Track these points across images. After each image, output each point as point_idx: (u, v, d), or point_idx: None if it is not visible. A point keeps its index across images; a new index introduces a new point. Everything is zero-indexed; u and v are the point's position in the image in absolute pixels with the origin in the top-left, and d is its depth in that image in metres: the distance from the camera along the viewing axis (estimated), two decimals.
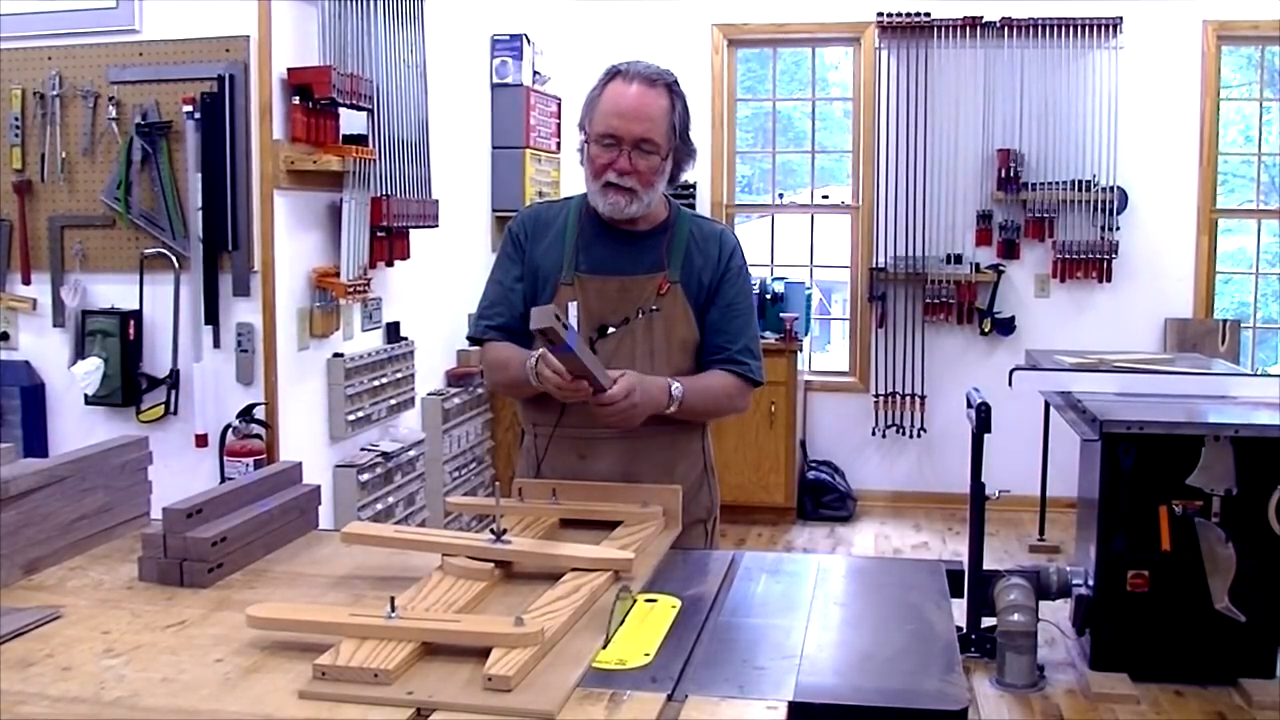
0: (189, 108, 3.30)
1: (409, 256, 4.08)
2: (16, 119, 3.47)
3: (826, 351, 7.28)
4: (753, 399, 2.33)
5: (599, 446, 2.18)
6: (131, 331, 3.43)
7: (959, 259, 6.15)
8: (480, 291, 2.33)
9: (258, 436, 3.37)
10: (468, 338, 2.36)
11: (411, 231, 4.07)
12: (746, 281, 2.30)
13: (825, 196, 6.62)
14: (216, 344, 3.41)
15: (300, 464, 2.23)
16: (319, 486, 2.17)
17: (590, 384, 1.94)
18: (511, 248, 2.28)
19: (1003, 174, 6.03)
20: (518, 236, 2.28)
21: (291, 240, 3.53)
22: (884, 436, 6.37)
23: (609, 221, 2.22)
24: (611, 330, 2.18)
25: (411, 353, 4.29)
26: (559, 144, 5.66)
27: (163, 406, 3.43)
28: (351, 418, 3.81)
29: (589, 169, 2.17)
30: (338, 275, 3.69)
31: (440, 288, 4.65)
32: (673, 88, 2.17)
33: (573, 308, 2.18)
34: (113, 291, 3.48)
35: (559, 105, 5.66)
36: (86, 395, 3.43)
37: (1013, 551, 5.45)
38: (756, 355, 2.26)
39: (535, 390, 2.08)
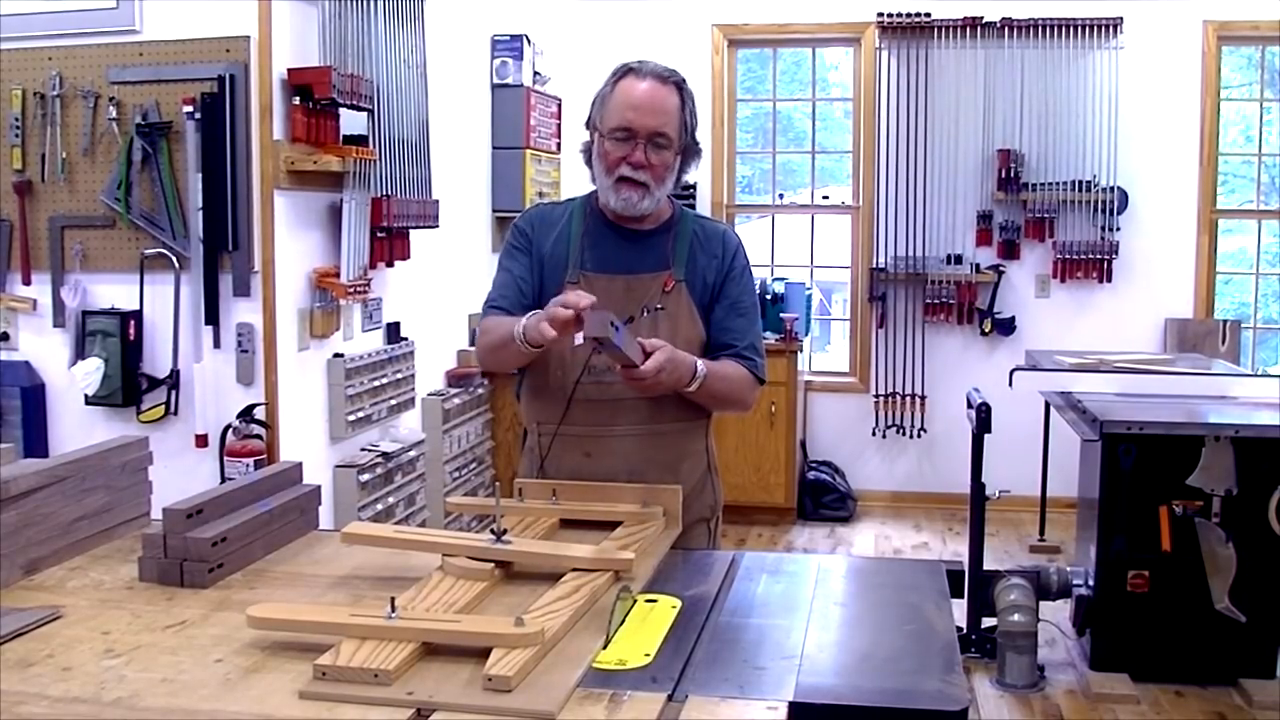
0: (189, 108, 3.30)
1: (409, 257, 4.08)
2: (17, 119, 3.47)
3: (827, 352, 7.28)
4: (756, 398, 2.33)
5: (603, 445, 2.18)
6: (132, 332, 3.43)
7: (959, 259, 6.15)
8: (481, 291, 2.33)
9: (258, 437, 3.37)
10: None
11: (412, 232, 4.07)
12: (750, 280, 2.31)
13: (825, 197, 6.62)
14: (217, 344, 3.41)
15: (300, 464, 2.23)
16: (319, 487, 2.17)
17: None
18: (520, 240, 2.28)
19: (1003, 174, 6.03)
20: (525, 230, 2.29)
21: (292, 240, 3.53)
22: (884, 437, 6.37)
23: (614, 220, 2.23)
24: None
25: (412, 353, 4.29)
26: (559, 144, 5.66)
27: (163, 407, 3.43)
28: (352, 418, 3.81)
29: (601, 165, 2.18)
30: (338, 275, 3.69)
31: (440, 288, 4.65)
32: (682, 86, 2.19)
33: None
34: (113, 291, 3.48)
35: (559, 106, 5.66)
36: (87, 395, 3.43)
37: (1013, 551, 5.45)
38: (761, 354, 2.28)
39: (519, 355, 2.06)
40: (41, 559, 1.87)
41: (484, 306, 2.29)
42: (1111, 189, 5.99)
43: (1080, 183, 6.00)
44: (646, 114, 2.12)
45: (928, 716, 1.38)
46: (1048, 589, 3.90)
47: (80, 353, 3.45)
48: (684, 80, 2.20)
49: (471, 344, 4.55)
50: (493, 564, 1.75)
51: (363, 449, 3.91)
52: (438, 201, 4.21)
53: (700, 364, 2.12)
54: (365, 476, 3.79)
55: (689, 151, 2.22)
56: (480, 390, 4.85)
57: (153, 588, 1.78)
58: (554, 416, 2.20)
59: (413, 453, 4.16)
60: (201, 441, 3.39)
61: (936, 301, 6.17)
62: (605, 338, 1.82)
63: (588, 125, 2.24)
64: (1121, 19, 5.93)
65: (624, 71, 2.17)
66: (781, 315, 5.93)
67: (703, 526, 2.33)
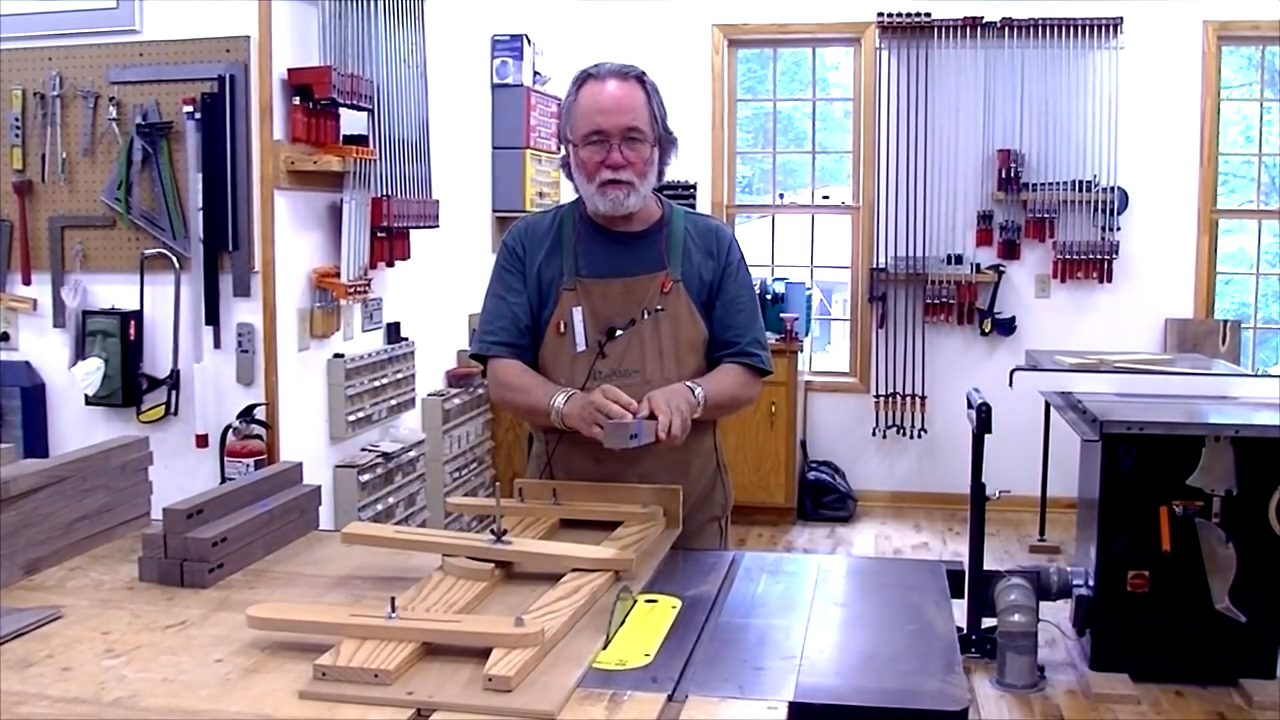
0: (189, 108, 3.30)
1: (409, 257, 4.08)
2: (17, 119, 3.46)
3: (827, 352, 7.28)
4: (760, 391, 2.34)
5: (611, 450, 2.18)
6: (132, 332, 3.42)
7: (959, 259, 6.15)
8: (481, 291, 2.32)
9: (258, 437, 3.37)
10: (471, 355, 2.36)
11: (412, 232, 4.06)
12: (746, 274, 2.31)
13: (825, 197, 6.62)
14: (217, 344, 3.41)
15: (300, 464, 2.23)
16: (319, 487, 2.17)
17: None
18: (511, 260, 2.27)
19: (1003, 174, 6.03)
20: (514, 249, 2.28)
21: (292, 240, 3.53)
22: (884, 437, 6.37)
23: (604, 225, 2.23)
24: (619, 333, 2.18)
25: (412, 353, 4.29)
26: (559, 144, 5.65)
27: (163, 407, 3.43)
28: (352, 418, 3.81)
29: (581, 173, 2.17)
30: (338, 275, 3.69)
31: (441, 288, 4.65)
32: (644, 79, 2.19)
33: (577, 313, 2.18)
34: (113, 292, 3.48)
35: (559, 106, 5.65)
36: (87, 395, 3.43)
37: (1013, 551, 5.46)
38: (764, 346, 2.28)
39: (551, 425, 2.11)
40: (41, 559, 1.87)
41: (482, 340, 2.26)
42: (1111, 189, 5.99)
43: (1080, 183, 6.01)
44: (615, 114, 2.12)
45: (928, 716, 1.38)
46: (1048, 589, 3.90)
47: (80, 353, 3.45)
48: (644, 73, 2.20)
49: (474, 359, 4.56)
50: (493, 564, 1.75)
51: (363, 449, 3.91)
52: (438, 201, 4.21)
53: (697, 389, 2.12)
54: (365, 476, 3.78)
55: (665, 143, 2.22)
56: (480, 390, 4.85)
57: (153, 588, 1.78)
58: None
59: (413, 453, 4.16)
60: (201, 441, 3.38)
61: (936, 301, 6.17)
62: (629, 446, 1.94)
63: (561, 139, 2.24)
64: (1121, 19, 5.93)
65: (583, 78, 2.18)
66: (781, 315, 5.94)
67: (714, 525, 2.35)
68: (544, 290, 2.23)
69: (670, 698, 1.38)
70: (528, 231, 2.29)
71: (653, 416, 1.99)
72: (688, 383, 2.13)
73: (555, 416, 2.09)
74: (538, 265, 2.24)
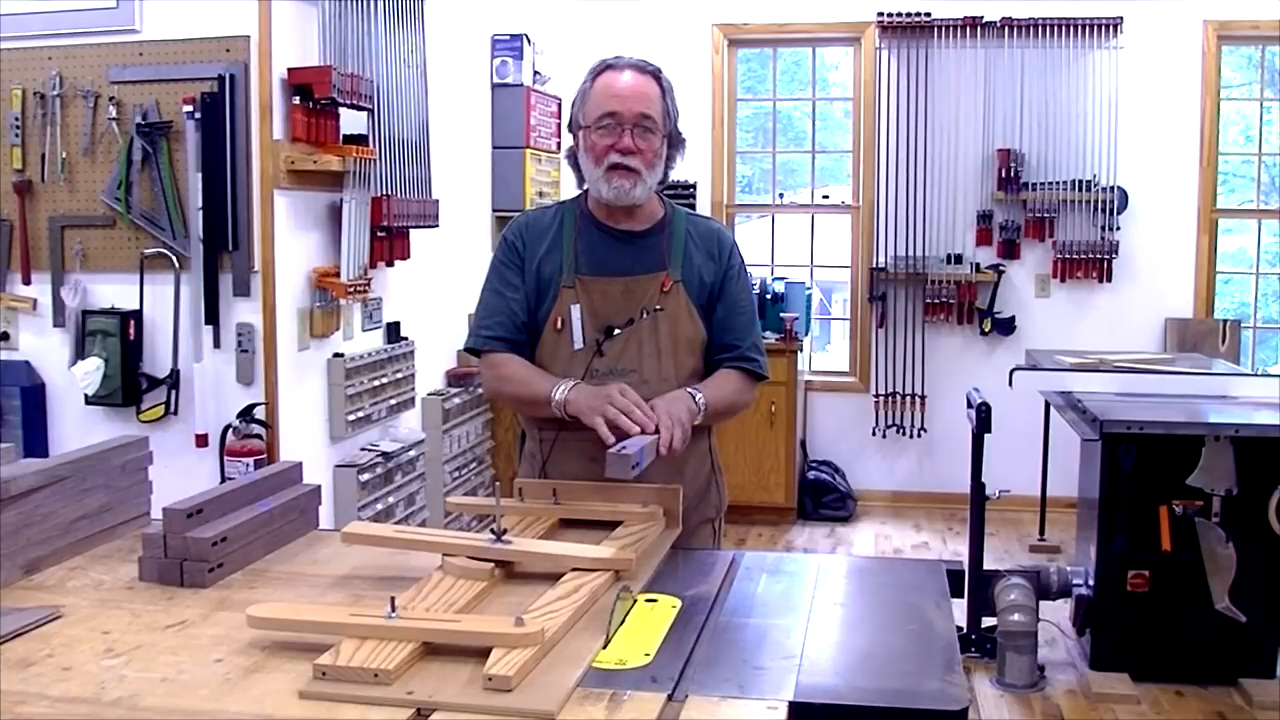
0: (189, 108, 3.30)
1: (409, 256, 4.08)
2: (17, 119, 3.47)
3: (827, 351, 7.28)
4: (756, 396, 2.34)
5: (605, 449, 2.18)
6: (132, 331, 3.43)
7: (959, 259, 6.15)
8: (480, 295, 2.32)
9: (258, 436, 3.37)
10: (467, 348, 2.35)
11: (412, 231, 4.07)
12: (747, 278, 2.32)
13: (825, 196, 6.62)
14: (217, 344, 3.42)
15: (300, 464, 2.23)
16: (319, 486, 2.17)
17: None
18: (510, 255, 2.27)
19: (1003, 174, 6.03)
20: (514, 244, 2.27)
21: (292, 240, 3.54)
22: (884, 436, 6.37)
23: (606, 222, 2.23)
24: (617, 331, 2.18)
25: (412, 353, 4.29)
26: (559, 144, 5.66)
27: (163, 406, 3.43)
28: (352, 418, 3.81)
29: (589, 158, 2.18)
30: (338, 275, 3.69)
31: (440, 288, 4.65)
32: (660, 76, 2.21)
33: (576, 310, 2.18)
34: (113, 291, 3.48)
35: (559, 105, 5.66)
36: (87, 395, 3.43)
37: (1013, 551, 5.46)
38: (762, 351, 2.29)
39: (551, 415, 2.11)
40: (41, 559, 1.87)
41: (478, 335, 2.25)
42: (1111, 189, 5.99)
43: (1080, 182, 6.01)
44: (630, 100, 2.13)
45: (928, 716, 1.38)
46: (1048, 589, 3.90)
47: (80, 352, 3.45)
48: (661, 70, 2.22)
49: (469, 353, 4.56)
50: (493, 564, 1.75)
51: (363, 449, 3.91)
52: (438, 201, 4.21)
53: (699, 396, 2.12)
54: (365, 476, 3.79)
55: (674, 142, 2.22)
56: (480, 390, 4.85)
57: (153, 588, 1.78)
58: (555, 422, 2.19)
59: (413, 452, 4.16)
60: (201, 441, 3.39)
61: (936, 301, 6.18)
62: (630, 476, 1.92)
63: (570, 127, 2.24)
64: (1121, 19, 5.93)
65: (602, 67, 2.19)
66: (781, 315, 5.94)
67: (708, 527, 2.34)
68: (543, 286, 2.22)
69: (670, 697, 1.37)
70: (529, 227, 2.29)
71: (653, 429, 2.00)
72: (689, 389, 2.13)
73: (556, 406, 2.08)
74: (538, 261, 2.23)
